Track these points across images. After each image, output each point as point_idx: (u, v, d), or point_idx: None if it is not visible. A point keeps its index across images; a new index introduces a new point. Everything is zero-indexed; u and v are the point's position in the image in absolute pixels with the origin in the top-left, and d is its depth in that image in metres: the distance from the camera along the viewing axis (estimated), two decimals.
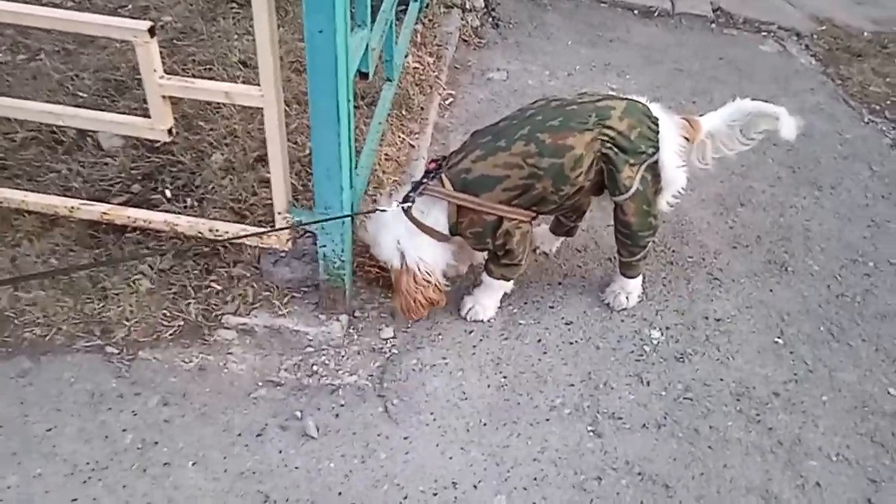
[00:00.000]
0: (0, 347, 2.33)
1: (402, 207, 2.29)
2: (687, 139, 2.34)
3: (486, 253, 2.48)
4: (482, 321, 2.51)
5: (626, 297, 2.55)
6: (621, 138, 2.22)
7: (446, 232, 2.33)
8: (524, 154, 2.21)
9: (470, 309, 2.51)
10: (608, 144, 2.22)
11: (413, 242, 2.31)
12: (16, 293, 2.42)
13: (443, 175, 2.28)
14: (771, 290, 2.69)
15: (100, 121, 2.24)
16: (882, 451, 2.21)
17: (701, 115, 2.44)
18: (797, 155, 3.34)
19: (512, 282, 2.49)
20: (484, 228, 2.30)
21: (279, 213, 2.32)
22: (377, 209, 2.32)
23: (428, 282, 2.31)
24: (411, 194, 2.30)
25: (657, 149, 2.26)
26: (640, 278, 2.55)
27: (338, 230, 2.28)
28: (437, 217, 2.31)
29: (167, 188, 2.77)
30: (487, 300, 2.51)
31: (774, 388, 2.37)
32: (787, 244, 2.88)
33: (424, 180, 2.31)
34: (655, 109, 2.33)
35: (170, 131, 2.19)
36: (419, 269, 2.30)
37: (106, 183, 2.75)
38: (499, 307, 2.53)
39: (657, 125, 2.28)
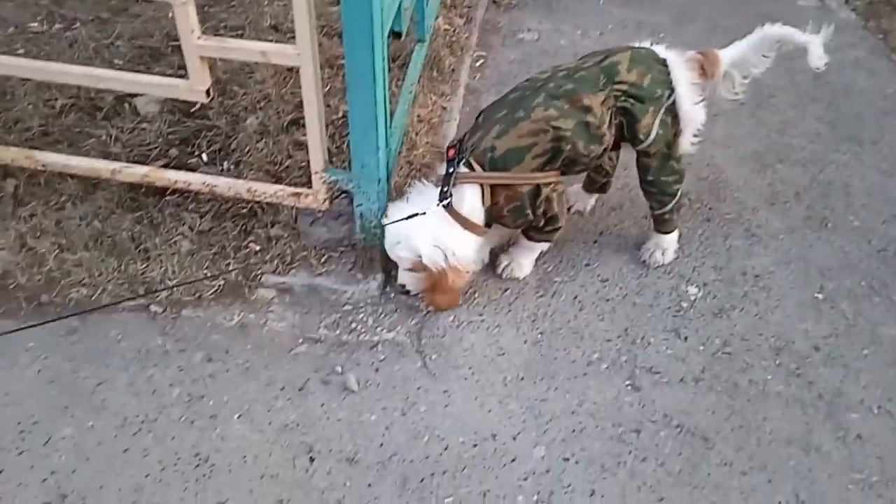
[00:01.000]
0: (48, 307, 2.41)
1: (444, 205, 2.20)
2: (704, 74, 2.32)
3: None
4: (518, 279, 2.52)
5: (662, 254, 2.55)
6: (634, 89, 2.21)
7: (482, 219, 2.27)
8: (547, 118, 2.17)
9: (506, 266, 2.53)
10: (622, 98, 2.22)
11: (452, 239, 2.22)
12: (62, 254, 2.49)
13: (470, 159, 2.22)
14: (811, 246, 2.66)
15: (139, 83, 2.28)
16: None
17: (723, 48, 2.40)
18: (837, 110, 3.28)
19: (548, 244, 2.50)
20: (522, 202, 2.25)
21: (316, 173, 2.35)
22: (417, 214, 2.21)
23: (467, 273, 2.28)
24: (445, 189, 2.21)
25: (672, 90, 2.25)
26: (675, 234, 2.54)
27: (374, 189, 2.31)
28: (472, 204, 2.23)
29: (203, 152, 2.82)
30: (524, 259, 2.52)
31: (815, 342, 2.36)
32: (827, 200, 2.84)
33: (451, 170, 2.22)
34: (662, 51, 2.31)
35: (207, 92, 2.22)
36: (460, 265, 2.24)
37: (144, 148, 2.81)
38: (534, 265, 2.54)
39: (667, 66, 2.26)
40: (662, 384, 2.25)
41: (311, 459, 2.07)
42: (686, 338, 2.37)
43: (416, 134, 2.92)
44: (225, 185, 2.44)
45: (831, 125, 3.22)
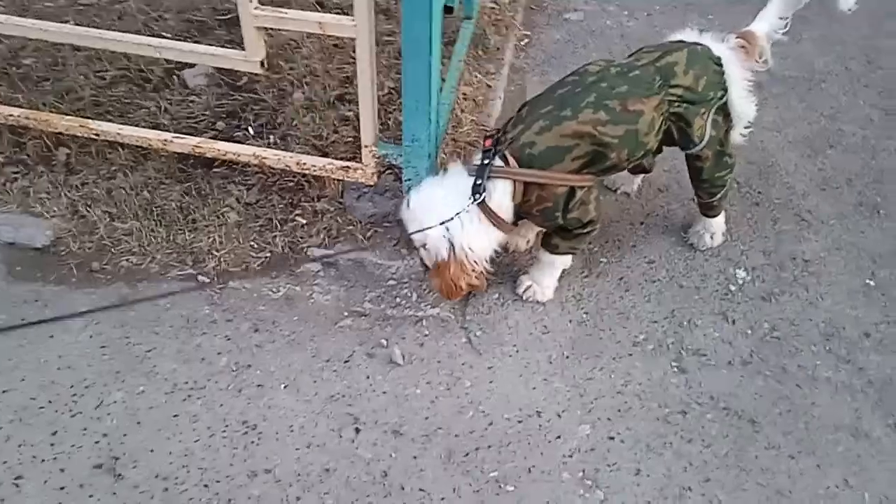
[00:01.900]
0: (99, 274, 2.45)
1: (478, 200, 2.10)
2: (749, 58, 2.27)
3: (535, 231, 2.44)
4: (540, 303, 2.41)
5: (711, 237, 2.53)
6: (689, 93, 2.14)
7: (510, 216, 2.18)
8: (594, 122, 2.07)
9: (527, 289, 2.41)
10: (677, 103, 2.15)
11: (464, 231, 2.12)
12: (112, 223, 2.54)
13: (506, 153, 2.12)
14: (862, 233, 2.62)
15: (195, 53, 2.30)
16: None
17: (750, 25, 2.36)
18: (890, 96, 3.21)
19: (571, 258, 2.40)
20: (555, 203, 2.14)
21: (366, 147, 2.36)
22: (453, 217, 2.10)
23: (474, 270, 2.17)
24: (479, 182, 2.09)
25: (725, 90, 2.20)
26: (723, 217, 2.51)
27: (423, 163, 2.31)
28: (501, 200, 2.13)
29: (250, 125, 2.84)
30: (546, 279, 2.39)
31: (865, 328, 2.33)
32: (879, 187, 2.79)
33: (486, 161, 2.11)
34: (716, 47, 2.24)
35: (262, 63, 2.24)
36: (467, 259, 2.14)
37: (192, 120, 2.84)
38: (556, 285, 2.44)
39: (721, 65, 2.20)
40: (709, 367, 2.24)
41: (357, 430, 2.10)
42: (734, 321, 2.35)
43: (462, 111, 2.92)
44: (274, 157, 2.46)
45: (884, 111, 3.15)
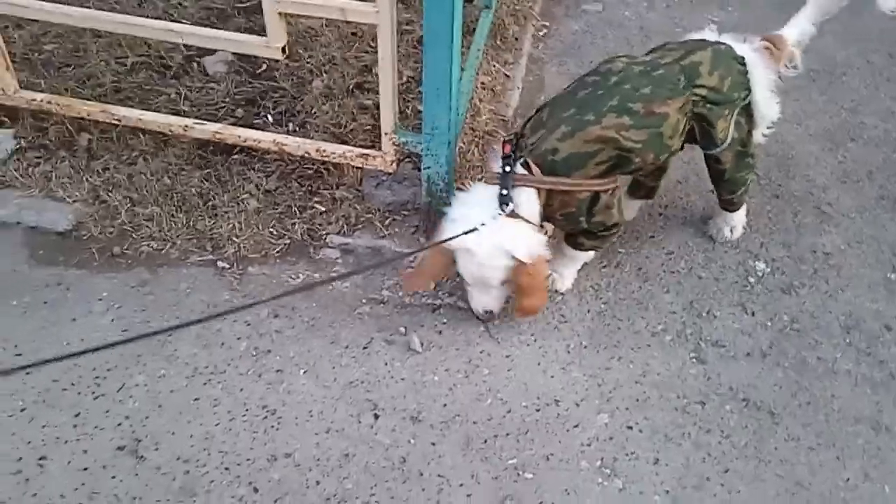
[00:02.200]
0: (120, 259, 2.47)
1: (505, 213, 2.03)
2: (774, 61, 2.25)
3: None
4: (559, 292, 2.40)
5: (730, 230, 2.52)
6: (714, 94, 2.11)
7: (538, 221, 2.13)
8: (618, 127, 2.03)
9: (546, 278, 2.31)
10: (701, 104, 2.11)
11: (518, 238, 2.04)
12: (133, 208, 2.56)
13: (528, 160, 2.05)
14: (884, 226, 2.61)
15: (218, 39, 2.31)
16: None
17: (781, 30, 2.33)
18: None
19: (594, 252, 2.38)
20: (578, 208, 2.11)
21: (386, 134, 2.37)
22: (473, 228, 2.00)
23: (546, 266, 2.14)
24: (505, 192, 2.03)
25: (749, 91, 2.18)
26: (743, 210, 2.50)
27: (443, 151, 2.32)
28: (530, 208, 2.08)
29: (269, 113, 2.85)
30: (566, 270, 2.38)
31: (886, 321, 2.32)
32: None
33: (507, 169, 2.04)
34: (740, 48, 2.21)
35: (283, 50, 2.25)
36: (539, 258, 2.07)
37: (212, 107, 2.85)
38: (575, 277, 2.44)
39: (745, 66, 2.18)
40: (728, 358, 2.24)
41: (376, 416, 2.11)
42: (753, 313, 2.35)
43: (480, 101, 2.92)
44: (294, 144, 2.47)
45: None
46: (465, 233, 2.00)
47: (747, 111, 2.21)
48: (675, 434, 2.07)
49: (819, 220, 2.63)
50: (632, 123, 2.04)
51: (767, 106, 2.24)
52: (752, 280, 2.44)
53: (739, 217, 2.52)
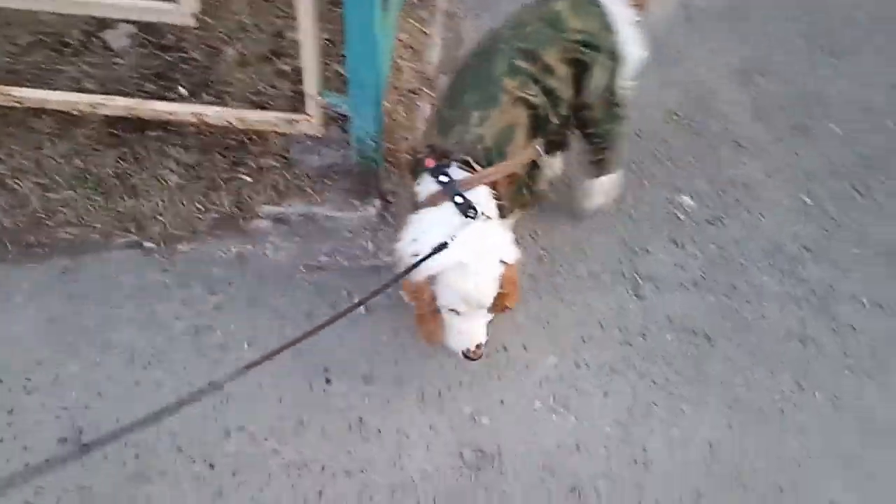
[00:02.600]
0: (37, 248, 2.40)
1: (476, 218, 1.85)
2: (638, 4, 2.18)
3: None
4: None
5: (602, 196, 2.51)
6: (587, 36, 2.06)
7: (498, 216, 1.99)
8: (519, 86, 1.96)
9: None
10: (575, 49, 2.06)
11: (500, 239, 1.90)
12: (46, 194, 2.47)
13: (466, 159, 1.91)
14: (797, 154, 2.79)
15: (123, 7, 2.24)
16: None
17: None
18: (816, 25, 3.39)
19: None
20: (519, 181, 2.07)
21: (311, 97, 2.37)
22: (443, 244, 1.79)
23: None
24: (462, 201, 1.85)
25: (612, 33, 2.11)
26: (615, 177, 2.47)
27: (370, 111, 2.34)
28: (489, 205, 1.92)
29: (182, 86, 2.78)
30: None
31: (805, 243, 2.51)
32: (809, 111, 2.97)
33: (449, 180, 1.87)
34: None
35: (195, 16, 2.20)
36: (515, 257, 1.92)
37: (118, 84, 2.75)
38: None
39: (603, 7, 2.12)
40: (664, 290, 2.38)
41: (328, 381, 2.15)
42: (683, 245, 2.49)
43: (401, 59, 2.94)
44: (214, 114, 2.45)
45: (810, 39, 3.33)
46: (435, 251, 1.78)
47: (612, 55, 2.12)
48: (620, 367, 2.20)
49: (738, 153, 2.79)
50: (527, 79, 1.98)
51: (630, 47, 2.15)
52: (680, 215, 2.58)
53: (611, 182, 2.47)
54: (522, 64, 1.99)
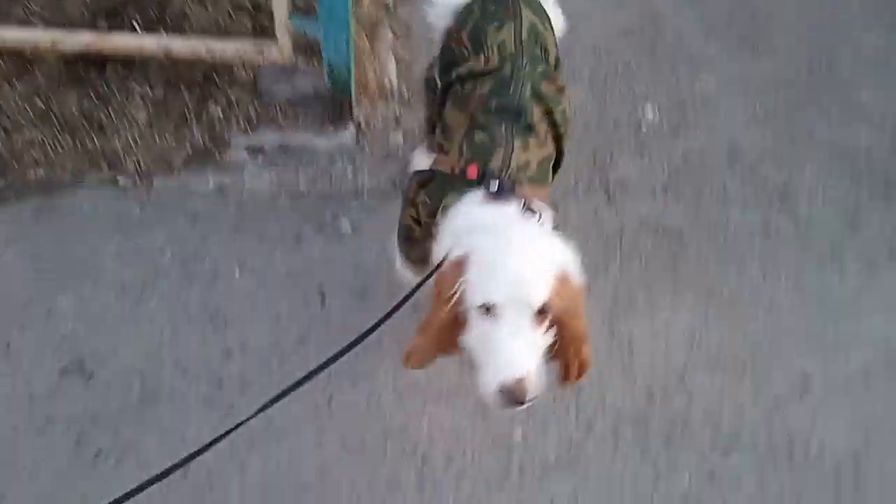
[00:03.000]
0: (6, 191, 2.39)
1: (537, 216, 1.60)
2: None
3: None
4: None
5: None
6: (539, 18, 1.91)
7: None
8: (545, 113, 1.76)
9: None
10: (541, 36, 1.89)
11: (560, 245, 1.54)
12: (10, 136, 2.46)
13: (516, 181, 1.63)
14: (747, 65, 2.99)
15: None
16: (860, 183, 2.63)
17: None
18: None
19: None
20: None
21: (281, 23, 2.41)
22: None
23: None
24: (524, 203, 1.59)
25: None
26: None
27: (342, 36, 2.40)
28: (547, 217, 1.68)
29: (136, 21, 2.77)
30: None
31: (762, 148, 2.71)
32: (755, 24, 3.16)
33: (504, 187, 1.59)
34: None
35: None
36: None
37: (70, 23, 2.72)
38: None
39: None
40: (634, 196, 2.55)
41: (323, 299, 2.24)
42: (650, 156, 2.66)
43: None
44: (182, 45, 2.46)
45: None
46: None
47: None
48: (602, 267, 2.36)
49: (693, 68, 2.97)
50: (551, 107, 1.78)
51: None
52: (644, 128, 2.75)
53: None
54: (543, 88, 1.76)
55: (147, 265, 2.26)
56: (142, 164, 2.48)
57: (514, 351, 1.37)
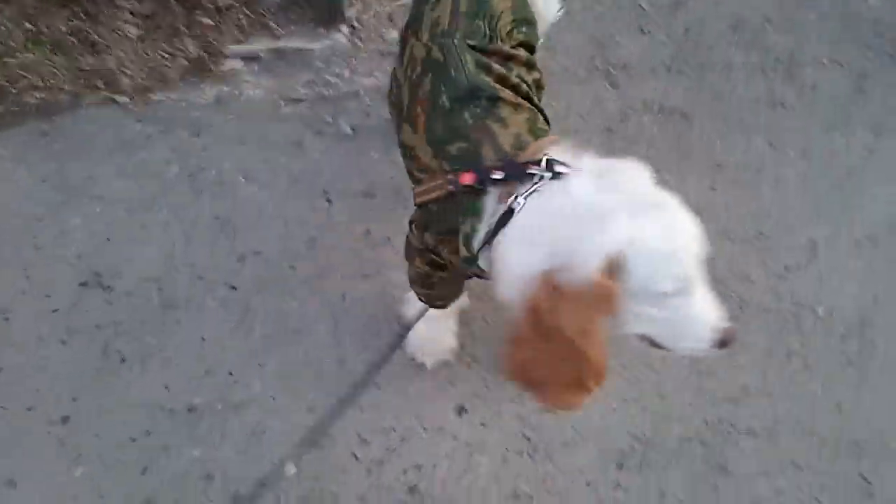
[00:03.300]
0: (7, 116, 2.39)
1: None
2: None
3: None
4: None
5: None
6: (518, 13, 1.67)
7: None
8: (499, 79, 1.52)
9: None
10: (516, 31, 1.65)
11: None
12: (3, 60, 2.44)
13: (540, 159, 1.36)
14: None
15: None
16: (867, 50, 2.56)
17: None
18: None
19: None
20: None
21: None
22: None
23: None
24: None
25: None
26: None
27: None
28: None
29: None
30: None
31: (765, 13, 2.64)
32: None
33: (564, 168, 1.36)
34: None
35: None
36: None
37: None
38: None
39: None
40: (637, 76, 2.51)
41: (329, 201, 2.26)
42: (650, 32, 2.60)
43: None
44: None
45: None
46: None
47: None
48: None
49: None
50: (505, 73, 1.54)
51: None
52: (643, 4, 2.67)
53: None
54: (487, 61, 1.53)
55: (153, 180, 2.28)
56: (137, 79, 2.46)
57: (710, 300, 1.27)
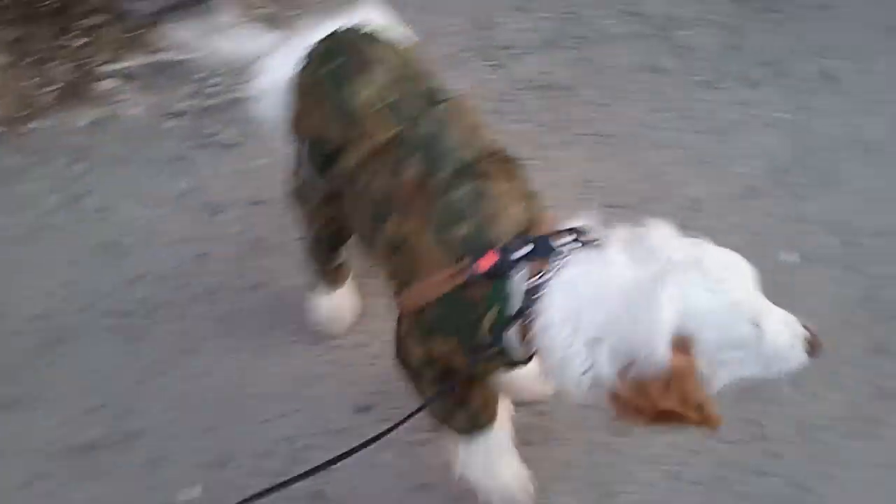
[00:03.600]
0: None
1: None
2: None
3: None
4: None
5: None
6: None
7: None
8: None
9: None
10: None
11: None
12: None
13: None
14: None
15: None
16: (738, 6, 2.60)
17: None
18: None
19: None
20: None
21: None
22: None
23: None
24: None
25: None
26: None
27: None
28: None
29: None
30: None
31: None
32: None
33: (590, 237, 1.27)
34: None
35: None
36: None
37: None
38: None
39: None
40: (519, 56, 2.51)
41: (218, 212, 2.22)
42: (531, 10, 2.60)
43: None
44: None
45: None
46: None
47: None
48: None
49: None
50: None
51: None
52: None
53: None
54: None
55: (32, 211, 2.22)
56: (9, 109, 2.39)
57: (781, 314, 1.20)
